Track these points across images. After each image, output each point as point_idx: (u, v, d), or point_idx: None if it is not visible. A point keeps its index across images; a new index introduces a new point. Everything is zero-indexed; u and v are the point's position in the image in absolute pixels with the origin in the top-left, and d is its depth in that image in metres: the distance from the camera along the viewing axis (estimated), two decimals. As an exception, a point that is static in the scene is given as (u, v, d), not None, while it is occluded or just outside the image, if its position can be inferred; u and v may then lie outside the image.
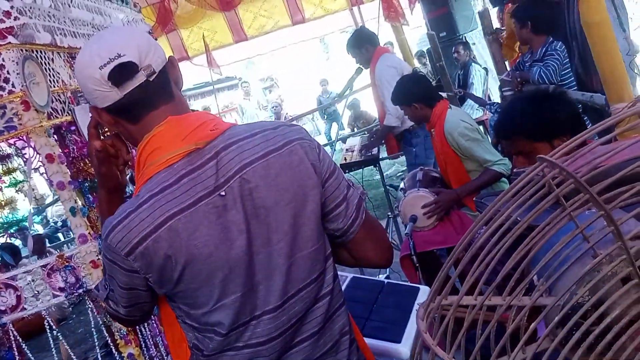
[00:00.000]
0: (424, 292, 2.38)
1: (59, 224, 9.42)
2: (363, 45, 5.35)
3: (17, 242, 5.92)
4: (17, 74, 2.30)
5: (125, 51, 1.28)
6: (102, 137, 1.49)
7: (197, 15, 7.72)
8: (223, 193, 1.30)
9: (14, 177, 3.18)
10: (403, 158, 6.33)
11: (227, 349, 1.37)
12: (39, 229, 9.36)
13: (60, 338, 2.45)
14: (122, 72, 1.28)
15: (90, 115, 1.50)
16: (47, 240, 8.35)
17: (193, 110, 1.44)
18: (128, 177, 1.86)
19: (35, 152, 2.70)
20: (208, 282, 1.31)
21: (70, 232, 8.73)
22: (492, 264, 0.80)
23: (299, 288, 1.38)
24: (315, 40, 13.69)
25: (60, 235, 9.55)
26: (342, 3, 8.32)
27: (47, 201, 9.48)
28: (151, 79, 1.32)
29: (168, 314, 1.45)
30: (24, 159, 2.97)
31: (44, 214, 9.66)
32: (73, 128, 2.76)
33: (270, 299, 1.35)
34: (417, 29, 11.83)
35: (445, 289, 0.81)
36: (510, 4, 4.74)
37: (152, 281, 1.33)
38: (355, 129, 12.39)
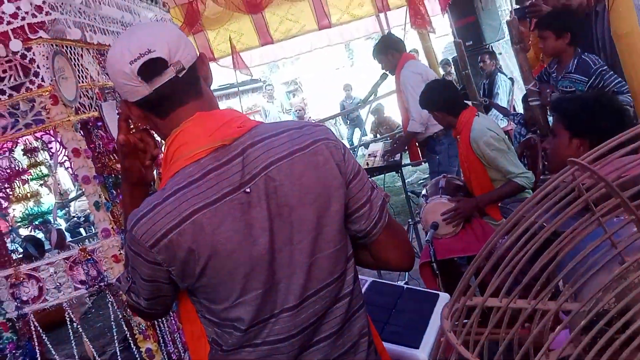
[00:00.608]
0: (443, 299, 2.37)
1: (82, 219, 9.53)
2: (389, 51, 5.35)
3: (40, 235, 5.98)
4: (47, 68, 2.34)
5: (156, 47, 1.30)
6: (132, 131, 1.51)
7: (224, 17, 7.76)
8: (248, 190, 1.30)
9: (39, 171, 3.22)
10: (425, 165, 6.31)
11: (246, 345, 1.38)
12: (62, 224, 9.46)
13: (80, 330, 2.47)
14: (151, 68, 1.30)
15: (118, 110, 1.52)
16: (68, 235, 8.44)
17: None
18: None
19: (62, 147, 2.73)
20: (230, 278, 1.32)
21: (92, 227, 8.81)
22: (518, 268, 0.79)
23: (319, 287, 1.38)
24: (340, 45, 13.69)
25: (82, 230, 9.65)
26: (369, 9, 8.32)
27: (71, 196, 9.59)
28: (180, 75, 1.33)
29: (188, 310, 1.45)
30: (50, 153, 3.01)
31: (67, 208, 9.77)
32: (100, 124, 2.80)
33: (290, 297, 1.35)
34: (443, 37, 11.80)
35: (471, 290, 0.80)
36: (534, 18, 4.68)
37: (175, 274, 1.34)
38: (378, 135, 12.37)
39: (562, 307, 0.79)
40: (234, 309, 1.35)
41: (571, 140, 2.40)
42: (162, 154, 1.41)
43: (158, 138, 1.54)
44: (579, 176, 0.77)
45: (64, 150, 2.77)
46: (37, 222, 3.13)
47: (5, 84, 2.36)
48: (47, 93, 2.35)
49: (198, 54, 1.42)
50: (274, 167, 1.32)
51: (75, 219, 9.70)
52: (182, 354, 2.86)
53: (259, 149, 1.33)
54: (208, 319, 1.41)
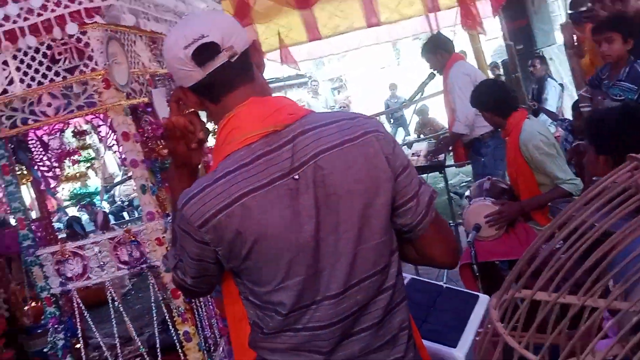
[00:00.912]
0: (483, 301, 2.34)
1: (125, 203, 9.70)
2: (438, 50, 5.29)
3: (84, 217, 6.13)
4: (101, 52, 2.38)
5: (209, 32, 1.33)
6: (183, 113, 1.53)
7: (274, 11, 7.78)
8: (297, 177, 1.32)
9: (88, 153, 3.30)
10: (468, 168, 6.22)
11: (287, 329, 1.39)
12: (106, 207, 9.64)
13: (121, 309, 2.52)
14: (204, 52, 1.33)
15: (167, 98, 1.54)
16: (111, 218, 8.60)
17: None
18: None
19: (111, 130, 2.79)
20: (274, 262, 1.34)
21: (135, 212, 8.97)
22: (569, 264, 0.78)
23: (361, 278, 1.38)
24: (387, 44, 13.62)
25: (125, 214, 9.82)
26: (419, 9, 8.21)
27: (116, 180, 9.76)
28: (233, 60, 1.36)
29: (231, 291, 1.48)
30: (100, 137, 3.08)
31: (112, 192, 9.96)
32: (149, 109, 2.84)
33: (332, 286, 1.36)
34: (492, 40, 11.64)
35: (520, 282, 0.79)
36: (589, 23, 4.57)
37: (221, 255, 1.36)
38: (422, 136, 12.29)
39: (611, 305, 0.77)
40: (276, 292, 1.36)
41: (597, 157, 2.42)
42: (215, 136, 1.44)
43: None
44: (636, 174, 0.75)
45: (113, 134, 2.83)
46: (84, 202, 3.21)
47: (60, 66, 2.41)
48: (100, 77, 2.39)
49: (252, 41, 1.44)
50: (324, 156, 1.33)
51: (119, 203, 9.87)
52: (218, 339, 2.89)
53: (310, 137, 1.34)
54: (251, 301, 1.43)
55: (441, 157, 5.17)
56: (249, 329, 1.45)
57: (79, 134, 3.30)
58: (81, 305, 2.48)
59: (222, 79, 1.38)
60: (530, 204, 3.50)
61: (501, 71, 9.65)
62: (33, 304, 3.68)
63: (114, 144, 3.01)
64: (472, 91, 3.87)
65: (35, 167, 3.02)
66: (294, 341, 1.39)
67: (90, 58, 2.39)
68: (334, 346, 1.39)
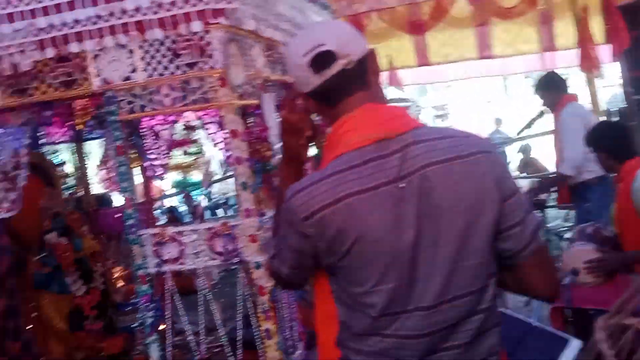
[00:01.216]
0: (573, 345, 2.24)
1: (222, 200, 10.01)
2: (552, 88, 5.18)
3: (181, 208, 6.36)
4: (221, 52, 2.47)
5: (326, 41, 1.41)
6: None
7: (387, 34, 7.84)
8: (402, 185, 1.34)
9: (195, 148, 3.44)
10: (570, 212, 5.98)
11: (375, 333, 1.40)
12: (203, 201, 9.96)
13: (209, 299, 2.59)
14: (321, 60, 1.40)
15: (275, 104, 1.61)
16: (207, 213, 8.88)
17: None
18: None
19: (220, 128, 2.88)
20: (371, 264, 1.36)
21: (230, 210, 9.24)
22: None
23: (455, 295, 1.37)
24: (496, 78, 13.36)
25: (220, 211, 10.12)
26: (534, 46, 8.03)
27: (215, 178, 10.03)
28: (349, 67, 1.41)
29: (323, 290, 1.50)
30: (208, 133, 3.19)
31: (210, 188, 10.29)
32: (257, 112, 2.93)
33: (425, 298, 1.36)
34: (608, 88, 11.20)
35: (629, 307, 0.76)
36: None
37: (320, 249, 1.40)
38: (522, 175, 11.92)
39: None
40: (369, 295, 1.38)
41: None
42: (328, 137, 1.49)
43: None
44: None
45: (221, 131, 2.93)
46: (188, 191, 3.33)
47: (182, 61, 2.51)
48: (217, 75, 2.48)
49: (369, 49, 1.49)
50: (432, 169, 1.34)
51: (216, 199, 10.20)
52: (297, 343, 2.91)
53: (420, 149, 1.36)
54: (343, 301, 1.45)
55: (543, 196, 5.01)
56: (337, 328, 1.47)
57: (189, 128, 3.44)
58: (174, 287, 2.57)
59: (338, 86, 1.43)
60: (635, 256, 3.32)
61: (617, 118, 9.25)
62: (123, 283, 3.84)
63: (220, 141, 3.11)
64: (591, 129, 3.74)
65: (146, 154, 3.16)
66: (380, 346, 1.40)
67: (210, 56, 2.48)
68: (419, 359, 1.38)
